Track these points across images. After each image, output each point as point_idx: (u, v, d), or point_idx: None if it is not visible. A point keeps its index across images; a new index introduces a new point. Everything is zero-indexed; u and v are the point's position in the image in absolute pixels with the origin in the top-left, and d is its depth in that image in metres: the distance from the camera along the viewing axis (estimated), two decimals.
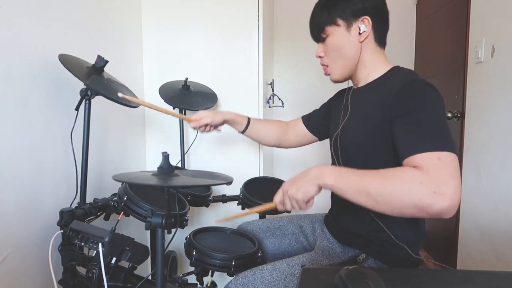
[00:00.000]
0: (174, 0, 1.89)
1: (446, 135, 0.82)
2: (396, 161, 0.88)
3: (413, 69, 2.65)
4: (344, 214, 1.09)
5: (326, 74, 1.12)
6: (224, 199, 1.67)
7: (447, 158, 0.78)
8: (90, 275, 1.06)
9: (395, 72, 1.03)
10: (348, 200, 0.84)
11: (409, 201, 0.75)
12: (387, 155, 0.93)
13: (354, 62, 1.05)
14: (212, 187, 1.65)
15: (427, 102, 0.87)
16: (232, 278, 1.03)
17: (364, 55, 1.04)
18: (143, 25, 1.92)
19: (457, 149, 0.83)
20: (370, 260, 1.02)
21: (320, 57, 1.11)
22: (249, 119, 1.39)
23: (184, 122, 1.85)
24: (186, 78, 1.74)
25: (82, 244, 1.03)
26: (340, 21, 1.02)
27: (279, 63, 2.71)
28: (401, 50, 2.66)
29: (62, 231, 1.13)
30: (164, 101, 1.67)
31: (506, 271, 0.77)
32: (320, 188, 0.85)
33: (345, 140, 1.08)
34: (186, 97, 1.72)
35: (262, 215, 1.56)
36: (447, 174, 0.75)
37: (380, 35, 1.04)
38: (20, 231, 1.11)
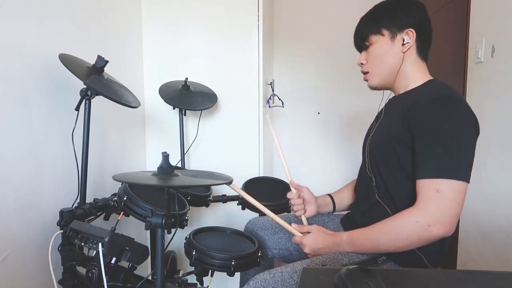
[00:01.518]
0: (174, 0, 1.89)
1: (457, 159, 0.89)
2: (412, 167, 0.96)
3: None
4: (362, 220, 1.09)
5: (365, 80, 1.15)
6: (224, 199, 1.68)
7: (447, 189, 0.87)
8: (90, 275, 1.06)
9: (431, 84, 1.05)
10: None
11: (412, 241, 0.91)
12: (405, 160, 0.98)
13: (394, 71, 1.08)
14: (212, 187, 1.65)
15: (447, 123, 0.91)
16: (238, 278, 1.01)
17: (405, 66, 1.07)
18: (143, 25, 1.92)
19: (467, 174, 0.90)
20: (390, 263, 1.02)
21: (361, 64, 1.14)
22: (332, 198, 1.33)
23: (184, 122, 1.85)
24: (186, 78, 1.74)
25: (82, 244, 1.03)
26: (385, 31, 1.06)
27: (279, 63, 2.71)
28: None
29: (62, 231, 1.13)
30: (164, 101, 1.67)
31: (507, 271, 0.77)
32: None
33: (373, 143, 1.12)
34: (186, 97, 1.72)
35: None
36: (443, 206, 0.87)
37: (423, 49, 1.07)
38: (20, 231, 1.11)
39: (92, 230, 1.03)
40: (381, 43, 1.07)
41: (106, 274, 0.99)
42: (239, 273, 1.35)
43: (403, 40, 1.04)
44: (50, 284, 1.13)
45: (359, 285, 0.66)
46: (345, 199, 1.34)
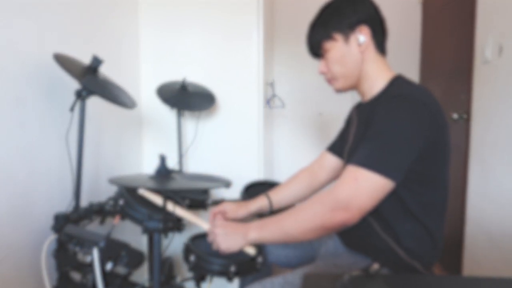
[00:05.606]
0: None
1: (388, 156, 0.87)
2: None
3: (418, 70, 2.64)
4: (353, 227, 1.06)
5: (330, 84, 1.12)
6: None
7: (365, 180, 0.85)
8: (85, 281, 1.04)
9: (394, 85, 1.02)
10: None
11: (315, 225, 0.88)
12: None
13: (356, 73, 1.04)
14: (211, 190, 1.62)
15: (391, 120, 0.89)
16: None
17: (366, 66, 1.03)
18: (140, 23, 1.89)
19: (393, 172, 0.87)
20: (385, 270, 0.99)
21: (323, 72, 1.10)
22: (268, 197, 1.28)
23: (182, 124, 1.83)
24: (184, 78, 1.72)
25: (77, 249, 1.00)
26: (337, 35, 1.01)
27: (279, 63, 2.69)
28: (406, 50, 2.63)
29: (56, 235, 1.11)
30: (162, 101, 1.65)
31: None
32: (248, 243, 1.00)
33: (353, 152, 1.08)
34: (184, 98, 1.69)
35: None
36: (354, 195, 0.85)
37: (380, 43, 1.03)
38: (12, 235, 1.09)
39: (87, 234, 1.01)
40: (336, 48, 1.02)
41: (101, 280, 0.97)
42: (237, 279, 1.33)
43: (358, 40, 1.00)
44: None
45: None
46: (291, 195, 1.31)
